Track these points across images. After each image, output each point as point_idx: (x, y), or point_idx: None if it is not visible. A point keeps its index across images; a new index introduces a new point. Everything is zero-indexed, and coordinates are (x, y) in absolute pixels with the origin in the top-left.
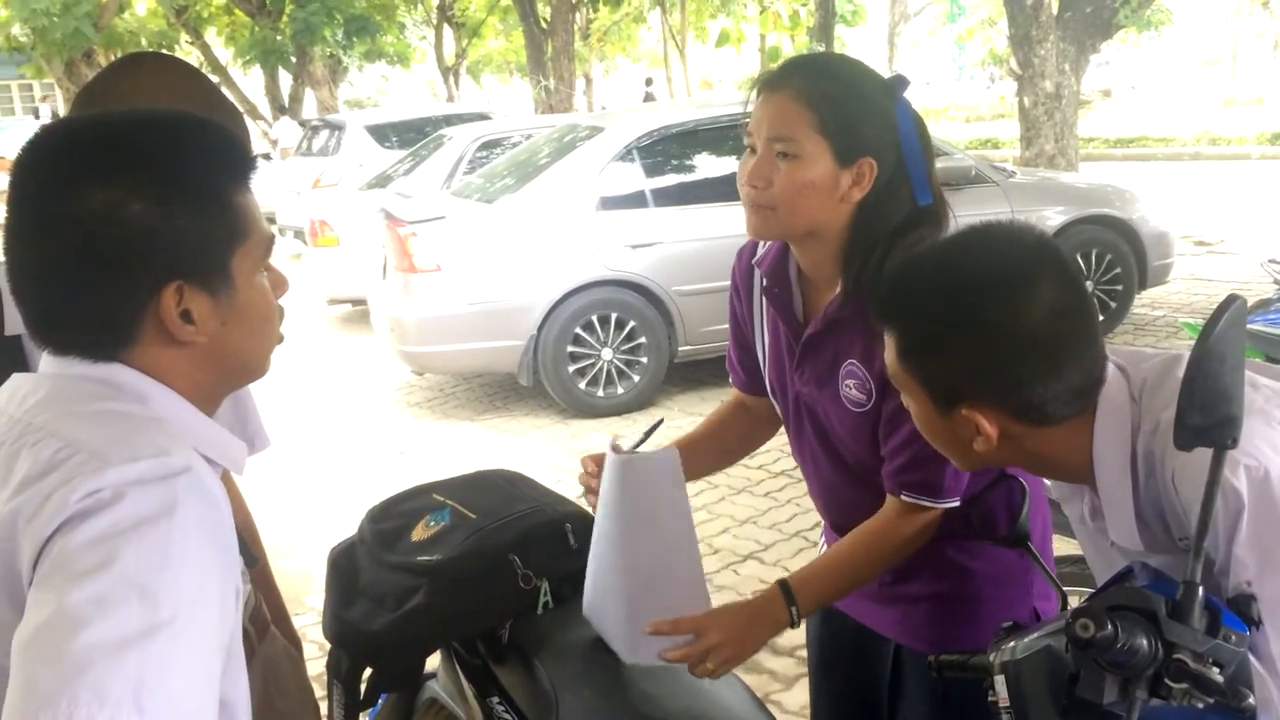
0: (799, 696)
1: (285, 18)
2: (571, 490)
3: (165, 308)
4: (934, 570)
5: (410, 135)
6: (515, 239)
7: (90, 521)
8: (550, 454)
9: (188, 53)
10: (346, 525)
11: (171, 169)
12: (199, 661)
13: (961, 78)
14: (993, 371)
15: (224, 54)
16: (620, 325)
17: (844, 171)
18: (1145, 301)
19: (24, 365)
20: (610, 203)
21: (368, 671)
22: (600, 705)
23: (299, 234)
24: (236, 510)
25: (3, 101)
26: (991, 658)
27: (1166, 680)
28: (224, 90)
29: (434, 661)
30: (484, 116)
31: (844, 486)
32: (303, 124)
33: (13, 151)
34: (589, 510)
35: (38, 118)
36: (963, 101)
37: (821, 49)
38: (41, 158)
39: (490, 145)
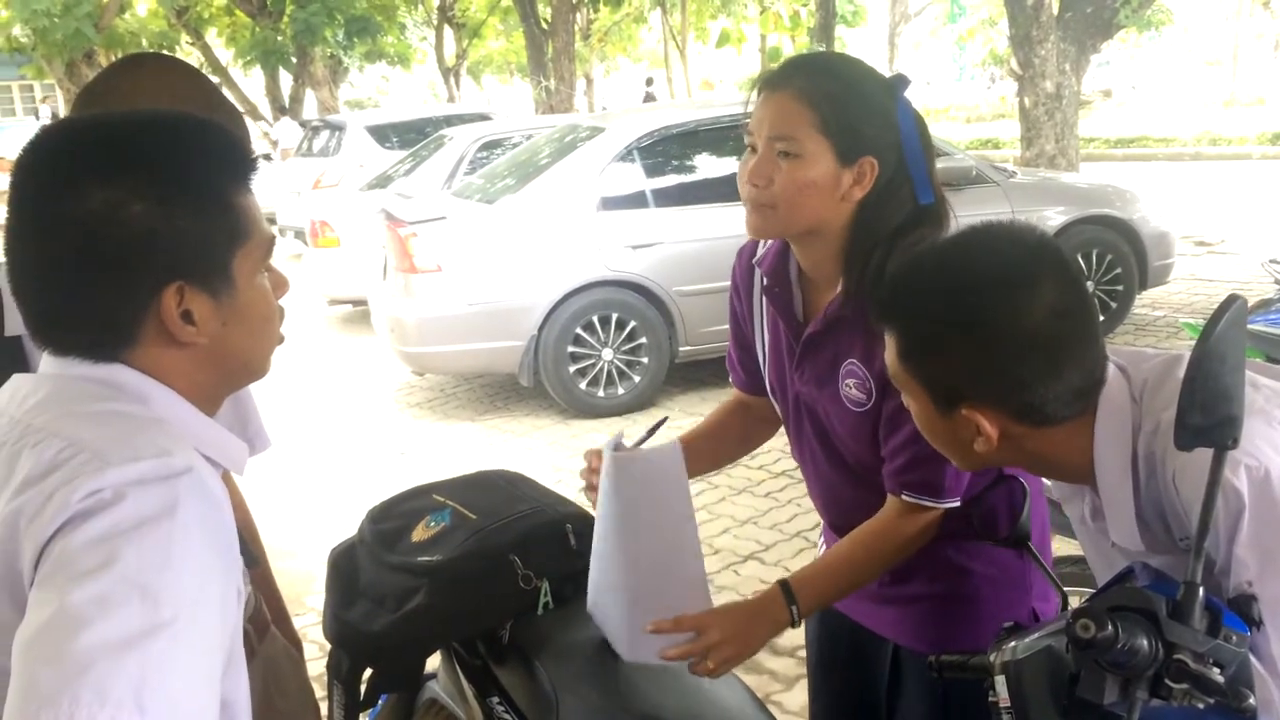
0: (799, 697)
1: (286, 18)
2: (572, 490)
3: (166, 308)
4: (932, 570)
5: (411, 136)
6: (516, 239)
7: (92, 521)
8: (551, 454)
9: (188, 53)
10: (347, 526)
11: (172, 170)
12: (200, 661)
13: (962, 78)
14: (993, 372)
15: (224, 54)
16: (621, 325)
17: (845, 171)
18: (1146, 302)
19: (24, 366)
20: (611, 203)
21: (368, 672)
22: (600, 706)
23: (299, 234)
24: (237, 511)
25: (3, 102)
26: (992, 658)
27: (1167, 681)
28: (224, 91)
29: (434, 662)
30: (484, 117)
31: (843, 486)
32: (303, 124)
33: (13, 152)
34: (590, 510)
35: (38, 118)
36: (963, 102)
37: (822, 49)
38: (42, 158)
39: (491, 146)
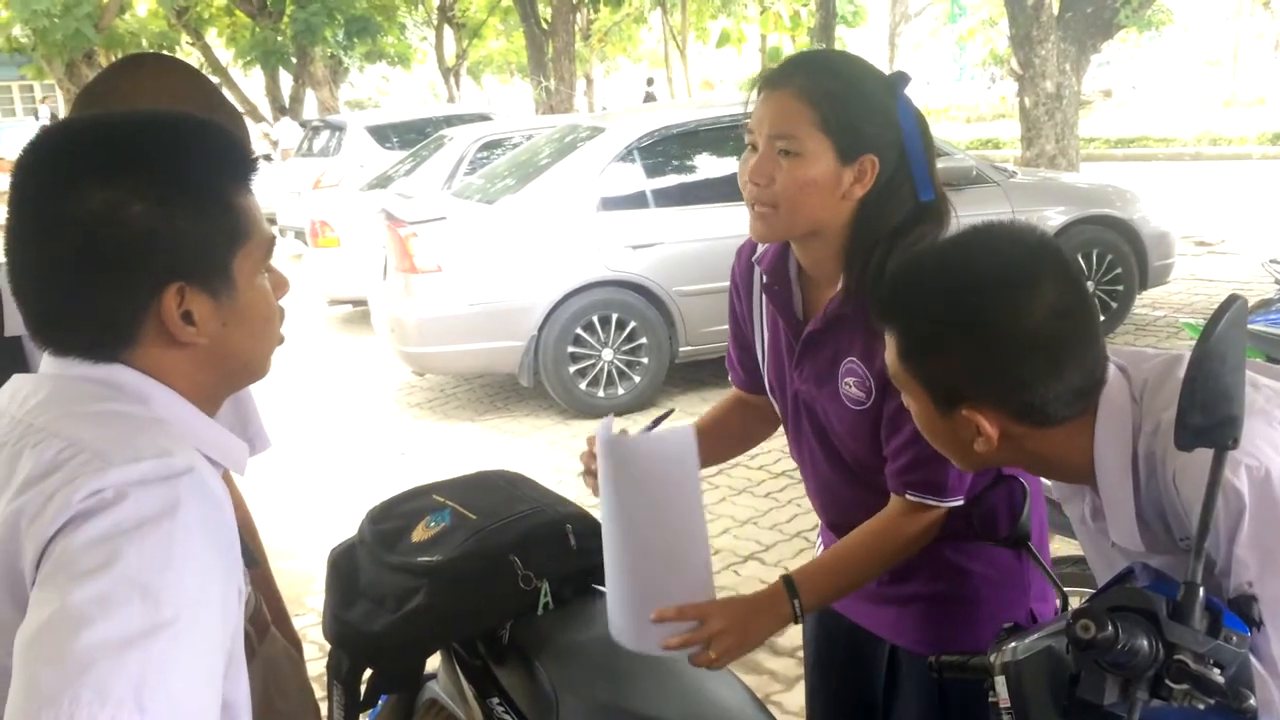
0: (799, 697)
1: (286, 18)
2: (572, 490)
3: (166, 309)
4: (931, 571)
5: (411, 136)
6: (516, 239)
7: (93, 521)
8: (551, 454)
9: (188, 54)
10: (347, 526)
11: (172, 170)
12: (201, 661)
13: (962, 78)
14: (994, 372)
15: (225, 55)
16: (621, 326)
17: (846, 169)
18: (1146, 302)
19: (24, 366)
20: (611, 203)
21: (368, 672)
22: (600, 706)
23: (300, 235)
24: (237, 511)
25: (3, 102)
26: (992, 658)
27: (1167, 681)
28: (225, 91)
29: (434, 662)
30: (485, 117)
31: (842, 485)
32: (303, 125)
33: (13, 152)
34: (590, 511)
35: (38, 119)
36: (963, 102)
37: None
38: (42, 159)
39: (491, 146)
